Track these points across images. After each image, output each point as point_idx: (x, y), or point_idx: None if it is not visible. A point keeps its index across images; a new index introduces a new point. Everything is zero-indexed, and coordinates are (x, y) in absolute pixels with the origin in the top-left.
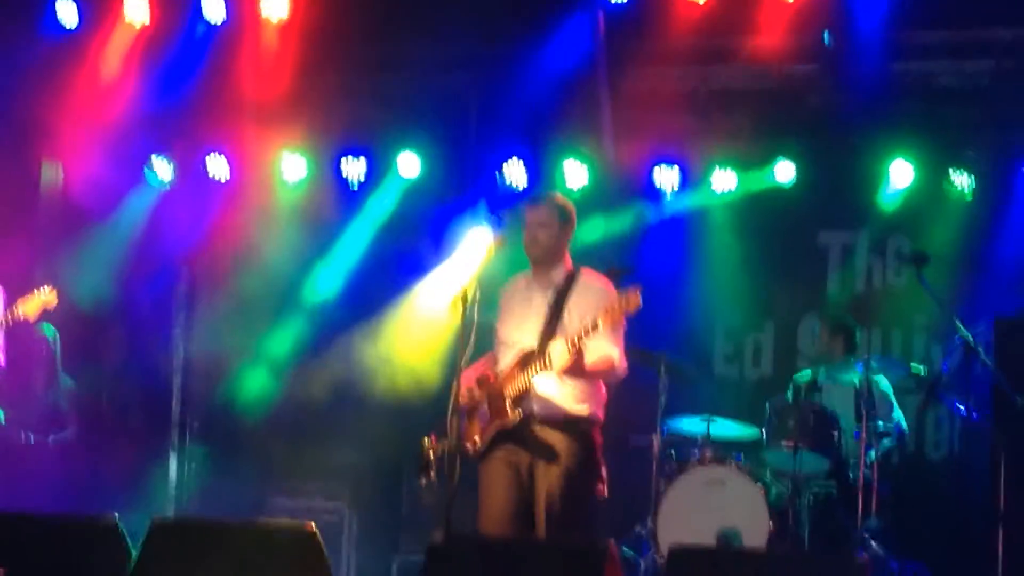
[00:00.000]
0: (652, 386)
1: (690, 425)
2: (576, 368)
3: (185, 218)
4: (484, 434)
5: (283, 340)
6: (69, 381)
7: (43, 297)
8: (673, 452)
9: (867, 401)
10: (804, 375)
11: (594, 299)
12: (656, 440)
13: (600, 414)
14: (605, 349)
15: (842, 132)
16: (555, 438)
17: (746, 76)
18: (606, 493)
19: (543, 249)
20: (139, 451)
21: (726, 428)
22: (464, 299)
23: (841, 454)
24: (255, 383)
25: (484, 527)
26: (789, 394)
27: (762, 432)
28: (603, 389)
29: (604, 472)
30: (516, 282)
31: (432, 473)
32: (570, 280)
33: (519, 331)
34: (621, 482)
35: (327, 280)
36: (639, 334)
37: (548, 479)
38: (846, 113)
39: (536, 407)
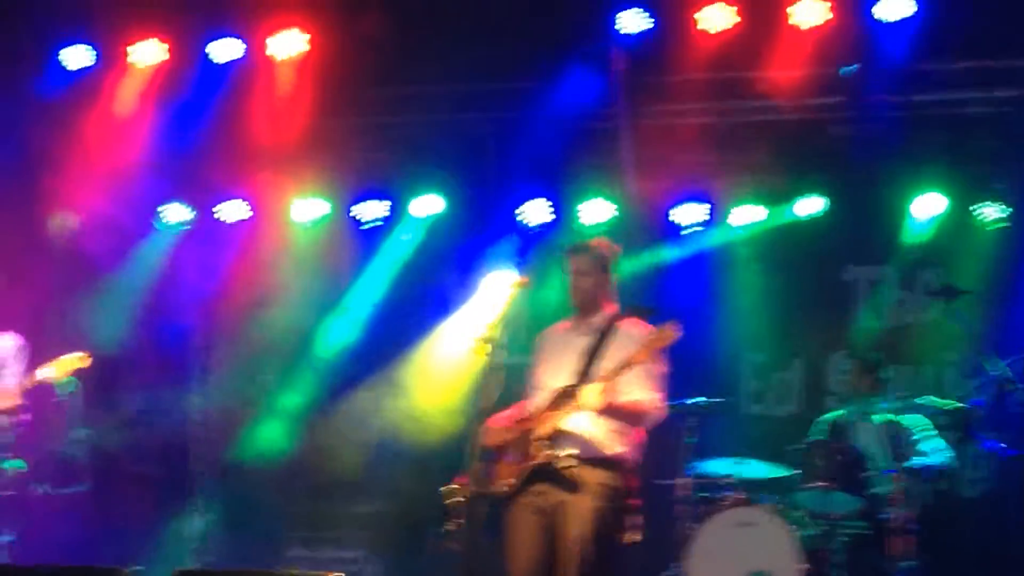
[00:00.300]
0: (679, 427)
1: (719, 466)
2: (610, 409)
3: (200, 264)
4: (516, 475)
5: (301, 388)
6: (84, 431)
7: (76, 360)
8: (703, 493)
9: (897, 439)
10: (833, 415)
11: (634, 341)
12: (685, 482)
13: (636, 456)
14: (640, 392)
15: (867, 164)
16: (588, 476)
17: (766, 109)
18: (639, 538)
19: (585, 297)
20: (156, 503)
21: (755, 469)
22: (488, 341)
23: (873, 493)
24: (273, 432)
25: (514, 573)
26: (819, 433)
27: (793, 473)
28: (639, 431)
29: (639, 518)
30: (556, 328)
31: (457, 519)
32: (611, 324)
33: (555, 374)
34: (650, 525)
35: (345, 326)
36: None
37: (577, 518)
38: (871, 145)
39: (570, 445)
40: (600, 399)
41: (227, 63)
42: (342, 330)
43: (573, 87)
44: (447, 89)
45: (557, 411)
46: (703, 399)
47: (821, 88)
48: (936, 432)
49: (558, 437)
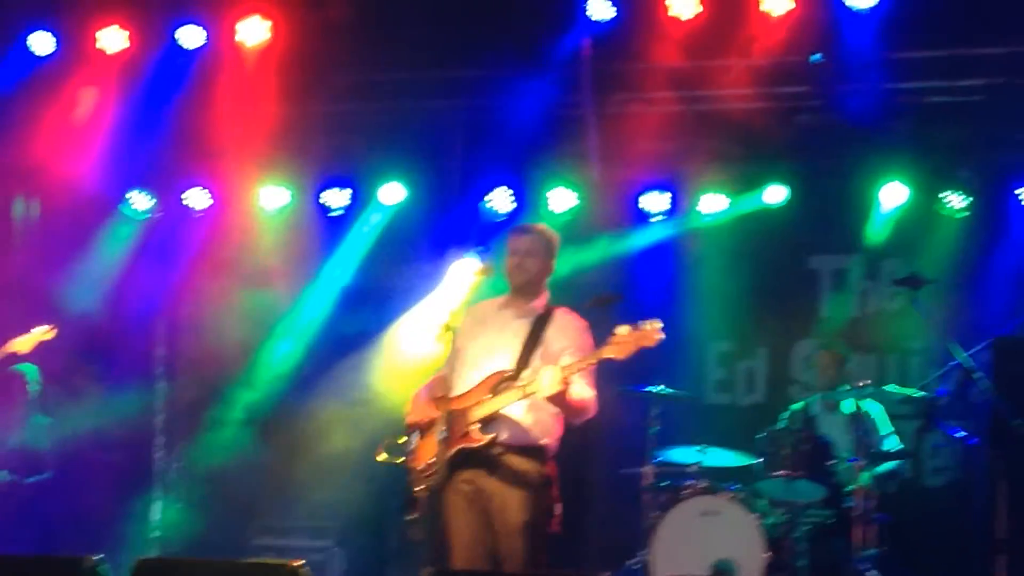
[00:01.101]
0: (643, 415)
1: (683, 455)
2: (561, 399)
3: (165, 251)
4: (443, 455)
5: (266, 376)
6: (46, 420)
7: (40, 334)
8: (667, 482)
9: (861, 428)
10: (799, 403)
11: (574, 335)
12: (648, 471)
13: (556, 445)
14: (584, 388)
15: (833, 153)
16: (520, 464)
17: (734, 97)
18: (558, 528)
19: (528, 277)
20: (120, 491)
21: (720, 457)
22: (450, 329)
23: (837, 482)
24: (239, 421)
25: (454, 559)
26: (784, 422)
27: (757, 461)
28: (562, 423)
29: (559, 508)
30: (488, 304)
31: (419, 508)
32: (549, 312)
33: (491, 353)
34: (613, 514)
35: (311, 313)
36: (629, 362)
37: (514, 506)
38: (837, 134)
39: (506, 432)
40: (556, 387)
41: (191, 51)
42: (309, 315)
43: (539, 75)
44: (412, 76)
45: (495, 393)
46: (668, 388)
47: (787, 77)
48: (892, 429)
49: (492, 422)
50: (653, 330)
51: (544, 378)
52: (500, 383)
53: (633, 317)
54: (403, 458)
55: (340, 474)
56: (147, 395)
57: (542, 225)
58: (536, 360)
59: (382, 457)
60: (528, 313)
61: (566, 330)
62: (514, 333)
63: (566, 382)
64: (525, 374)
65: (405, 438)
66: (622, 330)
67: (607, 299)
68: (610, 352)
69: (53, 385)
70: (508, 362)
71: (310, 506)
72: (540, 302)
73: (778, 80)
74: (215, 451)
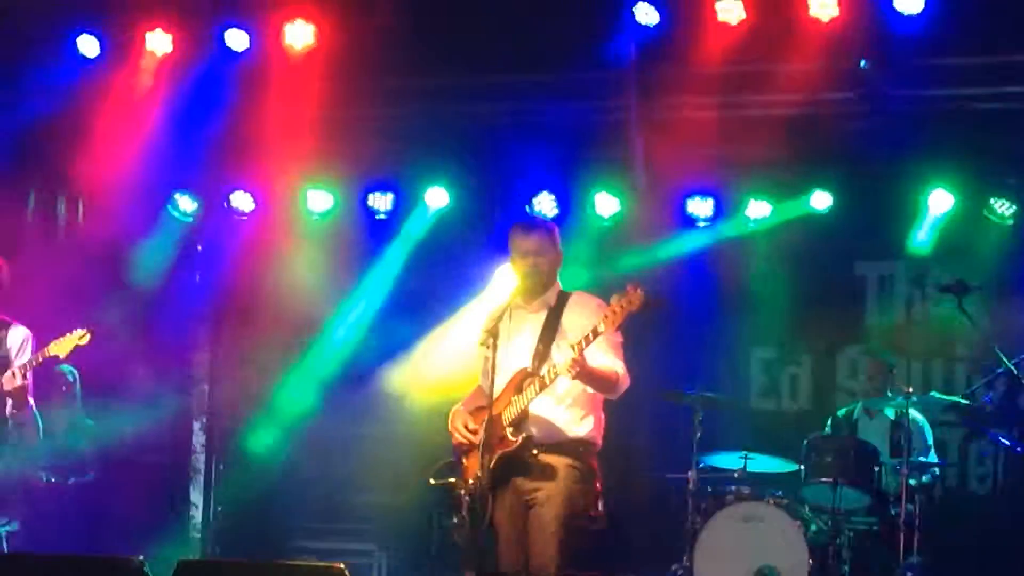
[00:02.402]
0: (687, 421)
1: (726, 461)
2: (584, 373)
3: (209, 254)
4: (488, 465)
5: (309, 380)
6: (89, 422)
7: (76, 338)
8: (710, 488)
9: (906, 435)
10: (843, 410)
11: (591, 314)
12: (692, 476)
13: (599, 440)
14: (608, 360)
15: (879, 160)
16: (556, 462)
17: (781, 103)
18: (605, 525)
19: (543, 276)
20: (162, 494)
21: (763, 463)
22: (494, 335)
23: (881, 489)
24: (280, 424)
25: (497, 563)
26: (828, 428)
27: (800, 467)
28: (601, 414)
29: (601, 505)
30: (505, 308)
31: (462, 512)
32: (563, 299)
33: (512, 354)
34: (656, 519)
35: (354, 317)
36: (672, 364)
37: (549, 501)
38: (883, 140)
39: (535, 430)
40: (573, 364)
41: (237, 54)
42: (353, 319)
43: (585, 79)
44: (457, 80)
45: (520, 392)
46: (711, 392)
47: (834, 83)
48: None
49: (523, 421)
50: (634, 293)
51: (558, 360)
52: (523, 380)
53: (677, 323)
54: (453, 479)
55: (382, 477)
56: (188, 398)
57: (541, 218)
58: (556, 351)
59: (433, 482)
60: (542, 306)
61: (583, 311)
62: (531, 330)
63: (578, 355)
64: (545, 366)
65: (452, 460)
66: (612, 299)
67: (652, 304)
68: (607, 325)
69: (95, 387)
70: (526, 358)
71: (351, 509)
72: (553, 293)
73: (825, 86)
74: (256, 454)
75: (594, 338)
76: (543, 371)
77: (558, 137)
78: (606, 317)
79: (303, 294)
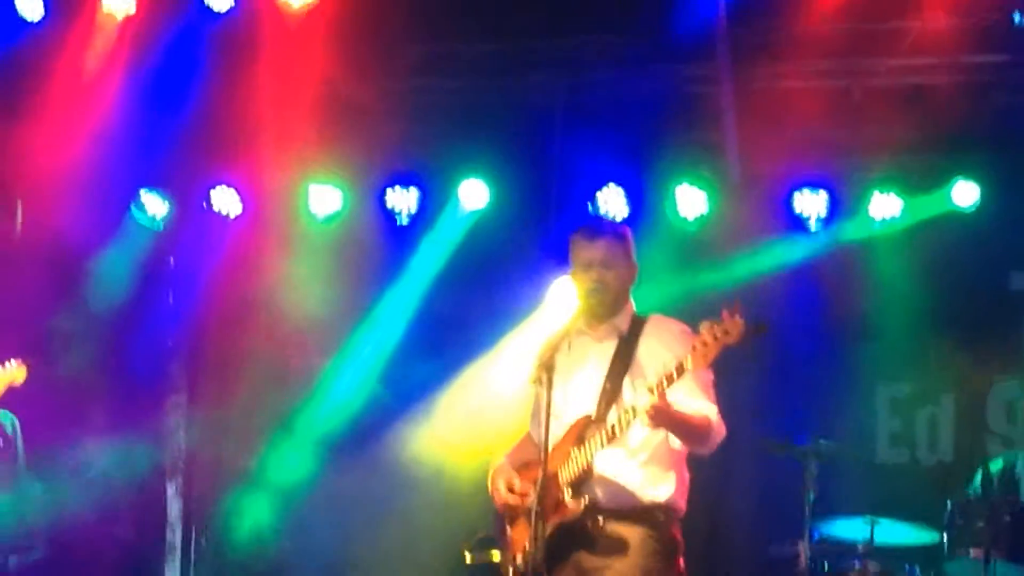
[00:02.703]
0: (796, 478)
1: (848, 529)
2: (668, 418)
3: (184, 269)
4: (542, 537)
5: (311, 432)
6: (37, 486)
7: (10, 375)
8: (827, 564)
9: None
10: (998, 462)
11: (674, 344)
12: (804, 549)
13: (682, 503)
14: (697, 404)
15: None
16: (628, 533)
17: (911, 71)
18: None
19: (611, 294)
20: (128, 573)
21: (895, 532)
22: (550, 370)
23: None
24: (274, 489)
25: None
26: (978, 486)
27: (943, 537)
28: (686, 472)
29: None
30: (564, 336)
31: None
32: (638, 325)
33: (572, 395)
34: None
35: (368, 351)
36: (776, 406)
37: None
38: None
39: (600, 493)
40: (652, 410)
41: (219, 13)
42: (368, 348)
43: (660, 43)
44: (498, 47)
45: (581, 445)
46: (826, 441)
47: (981, 43)
48: None
49: (585, 481)
50: (731, 321)
51: (631, 402)
52: (586, 429)
53: (782, 352)
54: (497, 553)
55: (403, 558)
56: (161, 453)
57: (612, 222)
58: (628, 390)
59: (471, 559)
60: (611, 333)
61: (664, 340)
62: (597, 364)
63: (662, 397)
64: (613, 412)
65: (493, 531)
66: (702, 327)
67: (752, 330)
68: (696, 361)
69: (42, 440)
70: (592, 401)
71: None
72: (625, 318)
73: (968, 47)
74: (246, 526)
75: (679, 376)
76: (612, 418)
77: (628, 117)
78: (694, 350)
79: (303, 321)
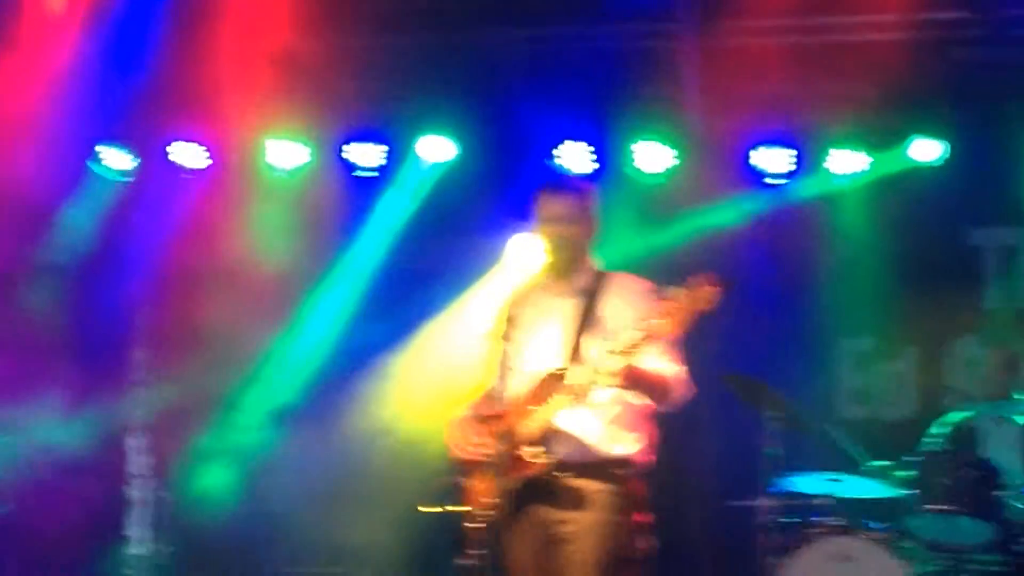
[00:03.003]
0: (758, 433)
1: (810, 484)
2: (632, 377)
3: (147, 225)
4: (502, 490)
5: (271, 390)
6: (2, 439)
7: None
8: (788, 518)
9: None
10: (958, 417)
11: (638, 302)
12: (766, 503)
13: (646, 458)
14: (661, 365)
15: (1000, 97)
16: (588, 487)
17: (871, 26)
18: (652, 566)
19: (573, 250)
20: (91, 530)
21: (858, 487)
22: (513, 324)
23: (1009, 519)
24: (236, 445)
25: None
26: (939, 442)
27: (906, 492)
28: (650, 428)
29: (651, 540)
30: (526, 292)
31: (472, 548)
32: (601, 282)
33: (535, 350)
34: (720, 557)
35: (333, 302)
36: (738, 362)
37: (583, 541)
38: (1006, 73)
39: (563, 449)
40: (618, 366)
41: None
42: (329, 307)
43: None
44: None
45: (544, 401)
46: (789, 399)
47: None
48: None
49: (549, 437)
50: (708, 286)
51: (596, 361)
52: (550, 386)
53: (744, 309)
54: (453, 505)
55: (368, 510)
56: (124, 407)
57: (575, 178)
58: (591, 346)
59: (428, 508)
60: (574, 289)
61: (628, 298)
62: (559, 319)
63: (627, 359)
64: (577, 369)
65: (452, 478)
66: (674, 292)
67: (716, 284)
68: (664, 326)
69: (3, 394)
70: (555, 357)
71: (330, 551)
72: (586, 274)
73: (930, 3)
74: (207, 481)
75: (653, 340)
76: (577, 376)
77: (590, 71)
78: (670, 315)
79: (266, 276)
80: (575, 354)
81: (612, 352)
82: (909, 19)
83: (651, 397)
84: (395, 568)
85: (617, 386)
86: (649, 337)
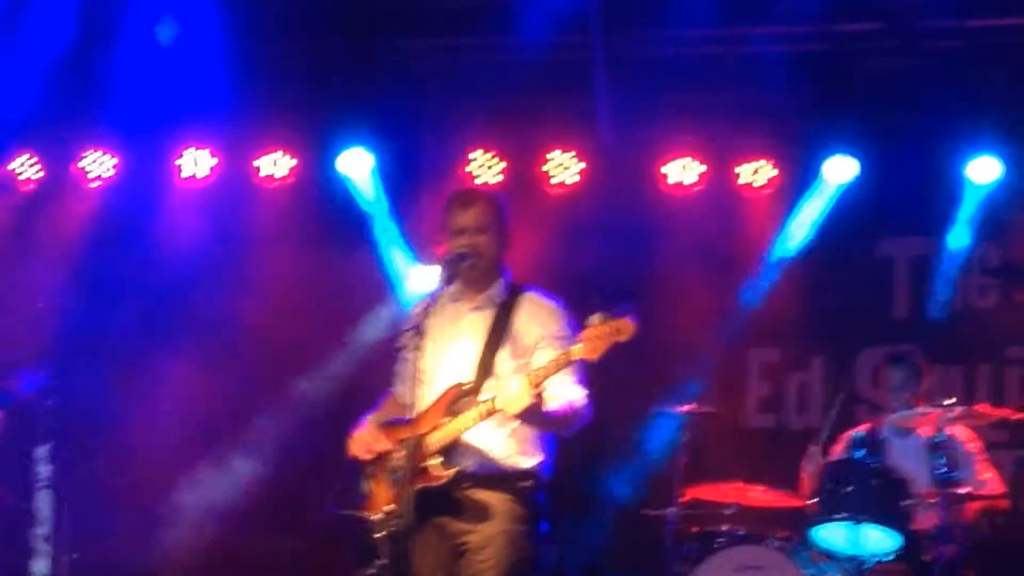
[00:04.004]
0: (667, 443)
1: (717, 493)
2: (533, 414)
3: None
4: (404, 499)
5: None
6: None
7: None
8: (695, 528)
9: (945, 458)
10: (864, 427)
11: (549, 321)
12: (673, 513)
13: (548, 470)
14: (568, 390)
15: (908, 109)
16: (492, 499)
17: (786, 38)
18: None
19: (485, 260)
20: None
21: (763, 496)
22: (420, 332)
23: (915, 528)
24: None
25: None
26: (846, 451)
27: (811, 501)
28: (552, 440)
29: (549, 552)
30: (434, 300)
31: (378, 558)
32: (515, 296)
33: (444, 362)
34: (628, 567)
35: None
36: (649, 374)
37: (486, 552)
38: (915, 85)
39: (469, 461)
40: (526, 401)
41: None
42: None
43: (533, 6)
44: (364, 9)
45: (453, 414)
46: (696, 408)
47: (853, 10)
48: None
49: (454, 449)
50: (627, 322)
51: (510, 390)
52: (458, 399)
53: (653, 319)
54: (355, 509)
55: (280, 520)
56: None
57: (484, 188)
58: (503, 362)
59: (331, 509)
60: (487, 303)
61: (538, 316)
62: (471, 332)
63: (538, 391)
64: (489, 384)
65: (355, 482)
66: (594, 320)
67: (619, 298)
68: (581, 352)
69: None
70: (467, 370)
71: (245, 565)
72: (499, 287)
73: (841, 14)
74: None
75: (563, 367)
76: (485, 392)
77: (499, 82)
78: (584, 341)
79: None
80: (488, 369)
81: (526, 376)
82: (821, 30)
83: (553, 429)
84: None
85: (520, 417)
86: (565, 361)
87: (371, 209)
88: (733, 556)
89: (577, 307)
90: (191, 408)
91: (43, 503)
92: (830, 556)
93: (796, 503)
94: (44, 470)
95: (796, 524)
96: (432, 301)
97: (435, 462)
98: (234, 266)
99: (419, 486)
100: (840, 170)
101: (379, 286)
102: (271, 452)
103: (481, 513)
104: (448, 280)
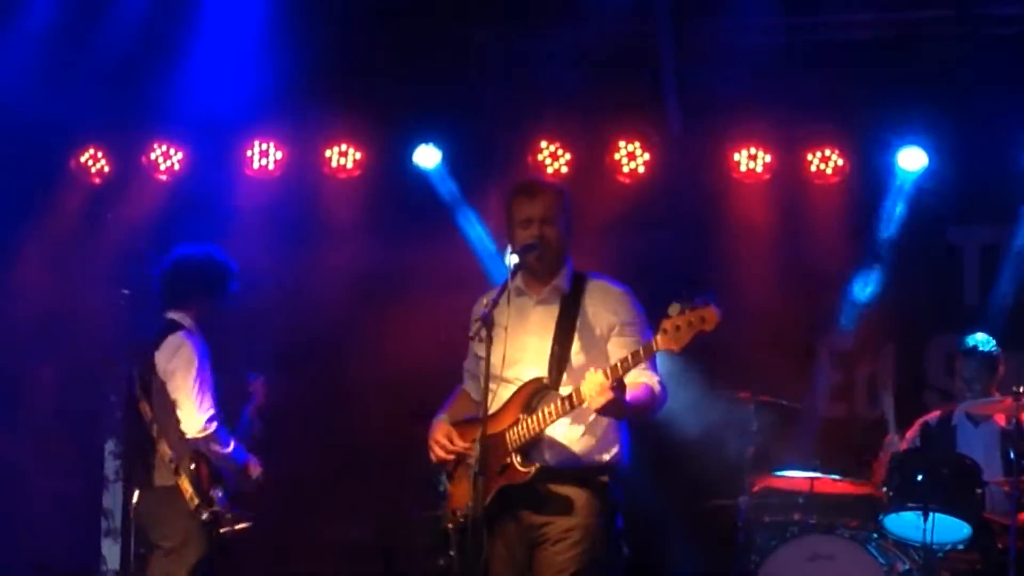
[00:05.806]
0: (738, 433)
1: (788, 483)
2: (616, 407)
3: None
4: (481, 497)
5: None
6: None
7: None
8: (767, 518)
9: (1019, 446)
10: (935, 414)
11: (619, 307)
12: (745, 502)
13: (625, 460)
14: (645, 376)
15: (976, 96)
16: (572, 493)
17: (852, 25)
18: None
19: (551, 251)
20: (70, 527)
21: (835, 485)
22: (489, 325)
23: (987, 517)
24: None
25: None
26: (917, 439)
27: (882, 490)
28: (628, 432)
29: (625, 547)
30: (499, 296)
31: (451, 551)
32: (580, 284)
33: (515, 358)
34: (700, 556)
35: (305, 300)
36: (720, 364)
37: (565, 543)
38: (986, 72)
39: (549, 456)
40: (607, 395)
41: None
42: (302, 303)
43: None
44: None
45: (530, 411)
46: (768, 397)
47: None
48: None
49: (535, 444)
50: (711, 310)
51: (591, 384)
52: (534, 395)
53: (725, 308)
54: (435, 509)
55: (351, 507)
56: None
57: (548, 178)
58: (577, 354)
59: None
60: (552, 295)
61: (607, 303)
62: (540, 326)
63: (618, 384)
64: (566, 377)
65: (432, 480)
66: (674, 309)
67: (695, 290)
68: (664, 342)
69: None
70: (540, 365)
71: (313, 549)
72: (564, 277)
73: (908, 1)
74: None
75: (635, 363)
76: (565, 388)
77: (565, 71)
78: (665, 332)
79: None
80: (563, 362)
81: (605, 373)
82: (891, 18)
83: (635, 418)
84: (370, 563)
85: (601, 412)
86: (645, 355)
87: (446, 200)
88: (805, 545)
89: (647, 297)
90: (266, 402)
91: (113, 496)
92: (902, 545)
93: (867, 491)
94: (113, 464)
95: (867, 513)
96: (499, 294)
97: (516, 459)
98: (305, 256)
99: (500, 483)
100: (911, 160)
101: (458, 276)
102: (351, 444)
103: (559, 506)
104: (513, 272)
